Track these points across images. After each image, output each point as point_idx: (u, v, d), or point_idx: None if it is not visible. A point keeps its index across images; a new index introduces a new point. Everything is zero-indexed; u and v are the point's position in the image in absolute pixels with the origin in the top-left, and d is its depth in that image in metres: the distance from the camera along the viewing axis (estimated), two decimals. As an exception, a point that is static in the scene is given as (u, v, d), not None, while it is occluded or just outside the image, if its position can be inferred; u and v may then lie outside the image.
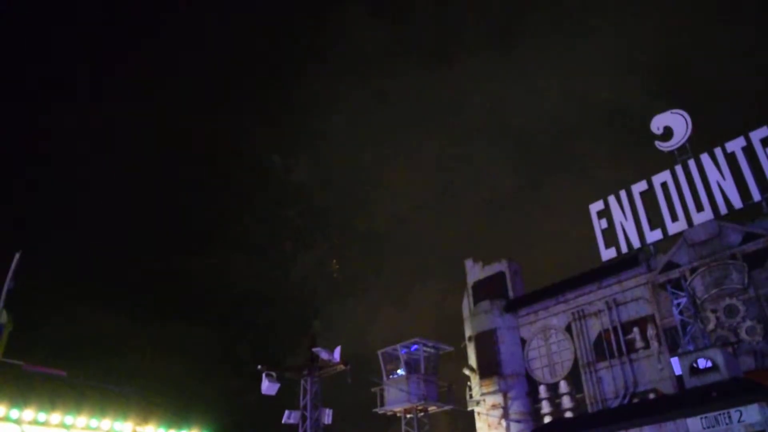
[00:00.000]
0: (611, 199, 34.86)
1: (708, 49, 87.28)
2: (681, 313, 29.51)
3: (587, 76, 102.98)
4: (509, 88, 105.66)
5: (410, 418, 32.79)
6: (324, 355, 25.10)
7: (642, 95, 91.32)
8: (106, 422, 13.55)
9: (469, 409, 36.84)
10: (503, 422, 34.81)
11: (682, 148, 33.01)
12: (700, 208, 31.12)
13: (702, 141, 32.63)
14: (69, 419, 12.95)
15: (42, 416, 12.51)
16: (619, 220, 34.15)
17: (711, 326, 28.69)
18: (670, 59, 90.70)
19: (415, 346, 33.01)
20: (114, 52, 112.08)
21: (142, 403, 15.24)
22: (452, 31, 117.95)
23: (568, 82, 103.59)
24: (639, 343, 31.82)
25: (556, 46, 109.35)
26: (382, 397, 33.14)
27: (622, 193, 34.47)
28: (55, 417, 12.71)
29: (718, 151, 31.35)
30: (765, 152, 29.72)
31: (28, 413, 12.33)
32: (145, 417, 14.46)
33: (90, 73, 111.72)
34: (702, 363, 22.73)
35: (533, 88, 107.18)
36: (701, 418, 20.72)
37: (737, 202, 30.07)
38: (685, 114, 33.47)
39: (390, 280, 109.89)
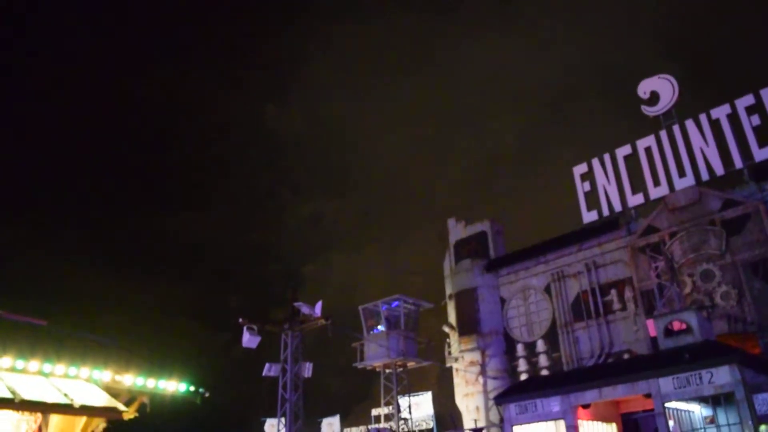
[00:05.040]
0: (595, 161, 34.96)
1: (722, 9, 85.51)
2: (658, 276, 29.99)
3: (592, 31, 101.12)
4: (511, 40, 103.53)
5: (389, 373, 33.26)
6: (305, 309, 25.22)
7: (648, 55, 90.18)
8: (85, 370, 13.52)
9: (448, 365, 37.44)
10: (480, 379, 35.47)
11: (667, 114, 33.03)
12: (682, 173, 31.36)
13: (698, 105, 32.54)
14: (47, 367, 12.90)
15: (20, 363, 12.46)
16: (602, 183, 34.34)
17: (687, 290, 29.19)
18: (680, 19, 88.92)
19: (396, 303, 33.26)
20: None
21: (123, 353, 15.25)
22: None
23: (572, 35, 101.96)
24: (616, 305, 32.35)
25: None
26: (362, 352, 33.51)
27: (606, 157, 34.58)
28: (34, 364, 12.66)
29: (702, 117, 31.45)
30: (749, 120, 29.88)
31: (6, 360, 12.26)
32: (125, 366, 14.47)
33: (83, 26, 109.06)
34: (676, 325, 23.17)
35: (536, 41, 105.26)
36: (673, 378, 21.21)
37: (719, 169, 30.31)
38: (672, 79, 33.40)
39: (380, 234, 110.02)
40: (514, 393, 27.38)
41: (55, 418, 13.43)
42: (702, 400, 21.07)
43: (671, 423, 21.39)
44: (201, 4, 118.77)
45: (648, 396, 21.95)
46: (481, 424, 34.38)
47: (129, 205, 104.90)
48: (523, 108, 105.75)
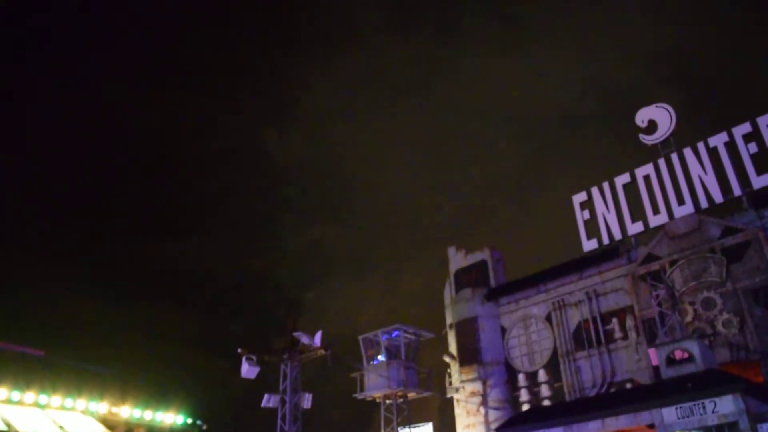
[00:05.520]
0: (594, 190, 35.02)
1: (722, 37, 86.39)
2: (659, 304, 29.84)
3: (592, 57, 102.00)
4: (510, 66, 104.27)
5: (390, 403, 32.91)
6: (305, 339, 25.11)
7: (647, 82, 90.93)
8: (82, 402, 13.42)
9: (449, 396, 37.03)
10: (482, 409, 35.07)
11: (665, 142, 33.21)
12: (681, 201, 31.38)
13: (695, 133, 32.73)
14: (43, 398, 12.80)
15: (16, 395, 12.35)
16: (602, 211, 34.35)
17: (688, 318, 29.01)
18: (678, 47, 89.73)
19: (396, 332, 33.06)
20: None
21: (119, 384, 15.15)
22: (453, 1, 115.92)
23: (572, 60, 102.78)
24: (617, 334, 32.12)
25: (560, 24, 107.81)
26: (362, 382, 33.21)
27: (605, 185, 34.65)
28: (30, 396, 12.57)
29: (700, 145, 31.60)
30: (746, 148, 30.02)
31: (2, 392, 12.17)
32: (121, 397, 14.36)
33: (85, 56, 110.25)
34: (678, 354, 22.99)
35: (535, 67, 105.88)
36: (676, 408, 20.99)
37: (718, 197, 30.37)
38: (670, 108, 33.65)
39: (380, 262, 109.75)
40: (516, 424, 27.09)
41: (50, 451, 13.27)
42: (706, 430, 20.76)
43: (675, 454, 21.10)
44: (201, 30, 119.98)
45: (651, 426, 21.70)
46: (482, 455, 33.89)
47: (127, 231, 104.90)
48: (522, 134, 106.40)
